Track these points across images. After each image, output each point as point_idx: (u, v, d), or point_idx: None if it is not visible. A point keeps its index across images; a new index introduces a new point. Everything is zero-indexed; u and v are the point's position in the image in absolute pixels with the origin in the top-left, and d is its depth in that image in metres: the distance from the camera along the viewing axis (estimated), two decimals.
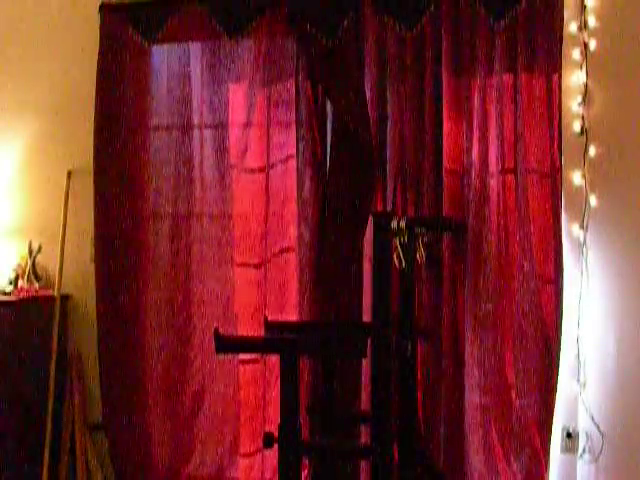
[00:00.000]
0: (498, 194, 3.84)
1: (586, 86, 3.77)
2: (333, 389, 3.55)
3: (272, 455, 3.83)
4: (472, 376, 3.84)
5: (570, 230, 3.80)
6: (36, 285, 4.40)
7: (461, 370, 3.88)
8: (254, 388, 4.15)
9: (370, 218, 3.84)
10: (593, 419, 3.76)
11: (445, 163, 3.88)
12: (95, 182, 4.30)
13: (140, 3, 4.25)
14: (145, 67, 4.29)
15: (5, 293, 4.35)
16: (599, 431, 3.75)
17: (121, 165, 4.28)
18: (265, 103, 4.16)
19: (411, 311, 3.66)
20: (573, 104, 3.79)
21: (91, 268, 4.33)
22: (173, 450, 4.25)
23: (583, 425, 3.79)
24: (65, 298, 4.42)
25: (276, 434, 3.05)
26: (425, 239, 3.66)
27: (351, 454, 3.64)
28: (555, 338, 3.75)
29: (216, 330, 3.17)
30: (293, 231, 4.14)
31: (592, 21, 3.76)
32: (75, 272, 4.43)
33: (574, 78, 3.78)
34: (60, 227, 4.39)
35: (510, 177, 3.82)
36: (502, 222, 3.84)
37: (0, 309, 4.16)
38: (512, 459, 3.81)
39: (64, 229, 4.40)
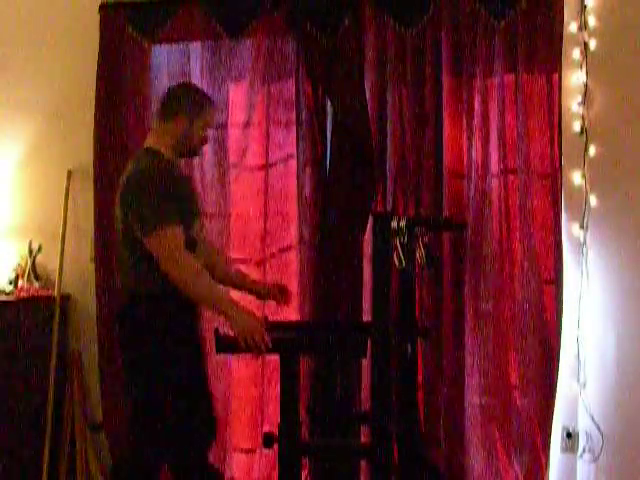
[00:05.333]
0: (498, 194, 3.84)
1: (586, 86, 3.77)
2: (333, 389, 3.54)
3: (271, 454, 3.84)
4: (472, 376, 3.85)
5: (570, 230, 3.80)
6: (36, 285, 4.41)
7: (461, 370, 3.88)
8: (253, 387, 4.16)
9: (370, 218, 3.85)
10: (593, 419, 3.76)
11: (445, 163, 3.89)
12: (95, 182, 4.30)
13: (140, 3, 4.25)
14: (145, 67, 4.28)
15: (5, 293, 4.35)
16: (599, 431, 3.75)
17: (121, 165, 4.25)
18: (265, 102, 4.15)
19: (411, 311, 3.65)
20: (573, 104, 3.79)
21: (91, 268, 4.33)
22: None
23: (583, 425, 3.79)
24: (65, 298, 4.42)
25: (276, 434, 3.05)
26: (425, 239, 3.66)
27: (351, 454, 3.63)
28: (555, 338, 3.76)
29: (216, 330, 3.17)
30: (293, 231, 4.14)
31: (592, 21, 3.76)
32: (75, 272, 4.43)
33: (574, 78, 3.78)
34: (60, 227, 4.39)
35: (510, 177, 3.83)
36: (502, 222, 3.84)
37: (0, 309, 4.17)
38: (512, 459, 3.82)
39: (64, 229, 4.40)
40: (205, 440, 3.28)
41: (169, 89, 3.44)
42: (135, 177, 3.15)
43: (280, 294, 3.54)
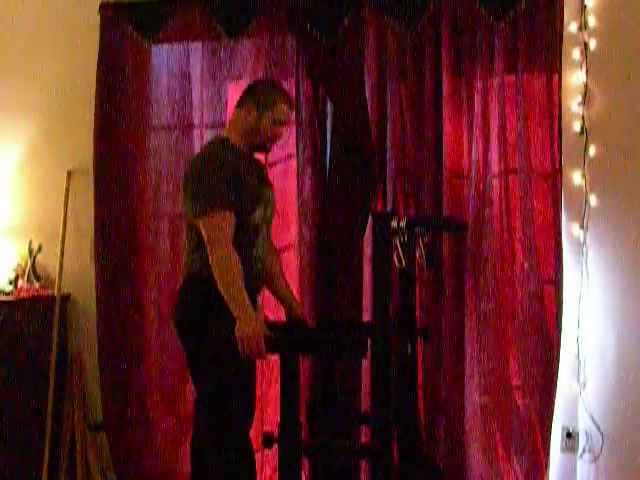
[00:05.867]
0: (498, 194, 3.84)
1: (586, 86, 3.77)
2: (333, 389, 3.55)
3: (271, 454, 3.83)
4: (472, 376, 3.85)
5: (570, 230, 3.80)
6: (36, 285, 4.40)
7: (461, 370, 3.88)
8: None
9: (370, 218, 3.85)
10: (593, 419, 3.76)
11: (445, 163, 3.88)
12: (95, 182, 4.30)
13: (140, 3, 4.25)
14: (145, 67, 4.28)
15: (5, 293, 4.35)
16: (599, 431, 3.75)
17: (121, 165, 4.28)
18: None
19: (411, 311, 3.66)
20: (573, 104, 3.79)
21: (91, 268, 4.33)
22: (174, 449, 4.24)
23: (583, 425, 3.79)
24: (65, 298, 4.42)
25: (276, 434, 3.05)
26: (425, 239, 3.66)
27: (351, 454, 3.64)
28: (555, 338, 3.76)
29: None
30: (293, 231, 4.14)
31: (592, 21, 3.76)
32: (75, 272, 4.43)
33: (574, 78, 3.78)
34: (60, 227, 4.39)
35: (510, 177, 3.83)
36: (502, 222, 3.84)
37: (0, 309, 4.17)
38: (512, 459, 3.82)
39: (64, 229, 4.40)
40: (251, 415, 3.35)
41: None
42: (195, 161, 3.29)
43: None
